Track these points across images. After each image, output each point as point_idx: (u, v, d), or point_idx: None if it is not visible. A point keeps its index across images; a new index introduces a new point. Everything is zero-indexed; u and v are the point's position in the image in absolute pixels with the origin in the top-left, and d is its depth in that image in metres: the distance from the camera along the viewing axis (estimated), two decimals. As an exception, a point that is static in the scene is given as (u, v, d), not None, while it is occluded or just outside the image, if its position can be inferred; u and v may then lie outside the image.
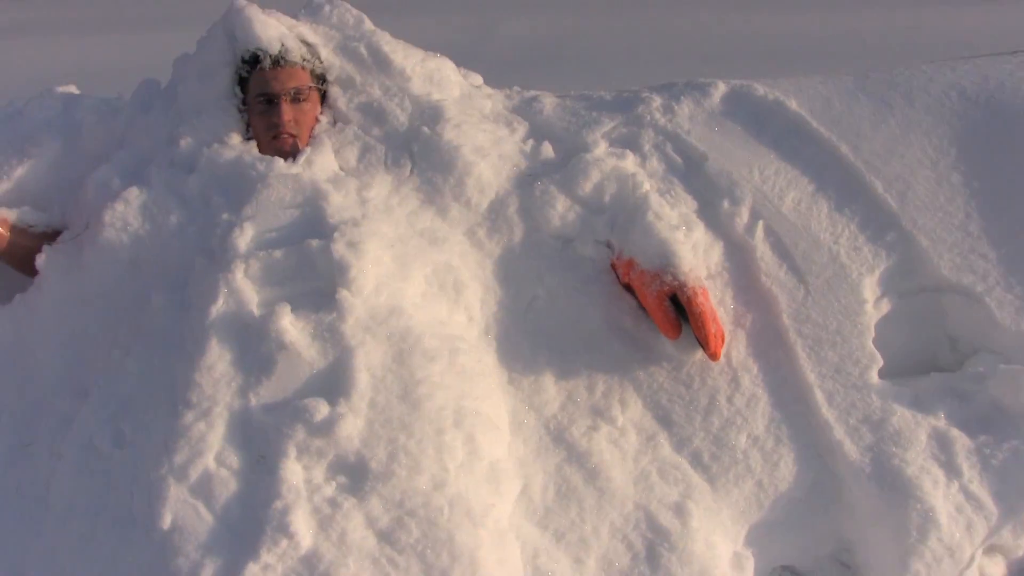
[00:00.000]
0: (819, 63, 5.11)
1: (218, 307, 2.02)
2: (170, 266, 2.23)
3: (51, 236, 2.45)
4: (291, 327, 1.97)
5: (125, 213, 2.29)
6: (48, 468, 2.15)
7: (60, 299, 2.32)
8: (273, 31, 2.38)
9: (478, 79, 2.75)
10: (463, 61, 2.76)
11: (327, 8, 2.62)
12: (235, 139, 2.40)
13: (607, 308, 2.36)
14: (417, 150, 2.44)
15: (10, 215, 2.41)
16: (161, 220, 2.28)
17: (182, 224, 2.27)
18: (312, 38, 2.50)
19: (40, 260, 2.35)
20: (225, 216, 2.21)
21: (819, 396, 2.25)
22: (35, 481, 2.17)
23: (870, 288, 2.43)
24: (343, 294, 2.02)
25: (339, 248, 2.07)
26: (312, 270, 2.08)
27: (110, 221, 2.28)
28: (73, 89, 2.85)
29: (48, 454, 2.17)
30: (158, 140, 2.46)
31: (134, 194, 2.31)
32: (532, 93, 2.76)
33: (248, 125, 2.44)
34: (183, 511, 1.82)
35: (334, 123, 2.49)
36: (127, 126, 2.53)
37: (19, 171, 2.52)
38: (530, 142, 2.58)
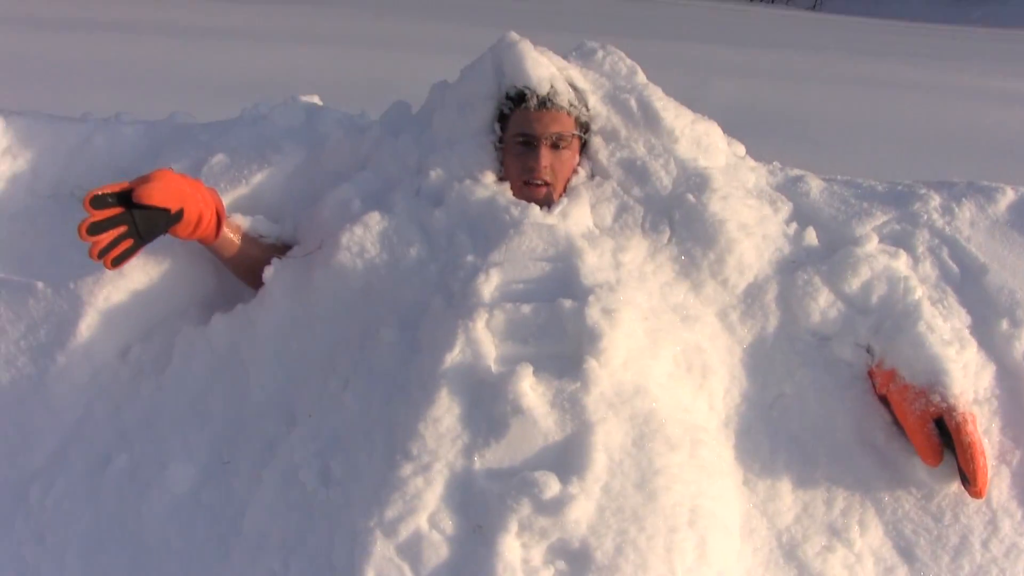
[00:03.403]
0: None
1: (453, 356, 1.87)
2: (404, 302, 2.11)
3: (280, 249, 2.36)
4: (530, 391, 1.81)
5: (363, 238, 2.18)
6: (246, 491, 2.05)
7: (282, 316, 2.22)
8: (544, 71, 2.25)
9: (741, 149, 2.55)
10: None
11: (600, 54, 2.48)
12: (489, 178, 2.27)
13: (859, 418, 2.11)
14: (679, 218, 2.25)
15: (243, 222, 2.35)
16: (400, 251, 2.16)
17: (422, 259, 2.14)
18: (582, 83, 2.36)
19: (267, 273, 2.26)
20: (470, 258, 2.08)
21: (1092, 554, 1.95)
22: (230, 502, 2.07)
23: None
24: (591, 364, 1.85)
25: (593, 313, 1.89)
26: (560, 332, 1.91)
27: (346, 244, 2.17)
28: (316, 100, 2.80)
29: (248, 477, 2.07)
30: (405, 166, 2.35)
31: (375, 219, 2.20)
32: (796, 172, 2.55)
33: (502, 164, 2.31)
34: (386, 570, 1.66)
35: (592, 176, 2.33)
36: (374, 147, 2.43)
37: (258, 177, 2.46)
38: (793, 225, 2.36)
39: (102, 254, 2.09)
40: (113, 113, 2.90)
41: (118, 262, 2.13)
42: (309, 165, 2.50)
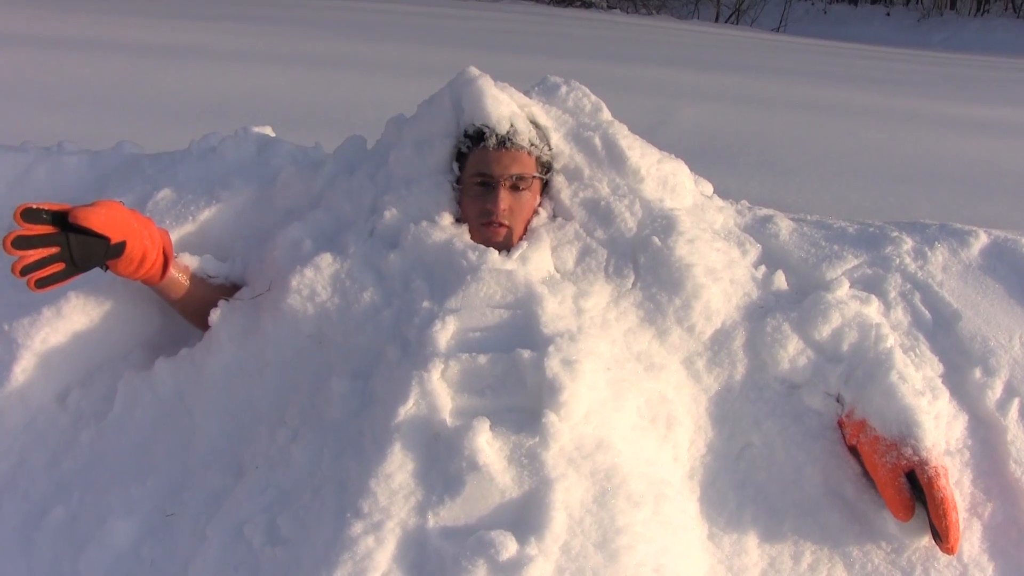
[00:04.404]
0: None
1: (407, 408, 1.78)
2: (356, 349, 2.02)
3: (228, 290, 2.27)
4: (487, 446, 1.72)
5: (314, 281, 2.09)
6: (189, 547, 1.94)
7: (229, 362, 2.13)
8: (504, 108, 2.18)
9: (708, 187, 2.49)
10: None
11: (563, 89, 2.41)
12: (446, 219, 2.19)
13: (827, 470, 2.04)
14: (644, 262, 2.18)
15: (191, 263, 2.25)
16: (353, 296, 2.07)
17: (376, 305, 2.05)
18: (543, 120, 2.29)
19: (214, 316, 2.16)
20: (426, 304, 1.99)
21: (1064, 614, 1.90)
22: (173, 558, 1.96)
23: None
24: (551, 418, 1.76)
25: (553, 365, 1.81)
26: (519, 385, 1.83)
27: (296, 287, 2.08)
28: (269, 131, 2.71)
29: (192, 532, 1.96)
30: (359, 206, 2.27)
31: (327, 261, 2.11)
32: (765, 212, 2.49)
33: (460, 205, 2.23)
34: (335, 635, 1.56)
35: (553, 217, 2.26)
36: (327, 184, 2.35)
37: (205, 214, 2.37)
38: (762, 268, 2.30)
39: (26, 271, 1.92)
40: (55, 141, 2.80)
41: (44, 284, 1.95)
42: (259, 201, 2.41)
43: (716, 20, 19.46)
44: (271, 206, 2.39)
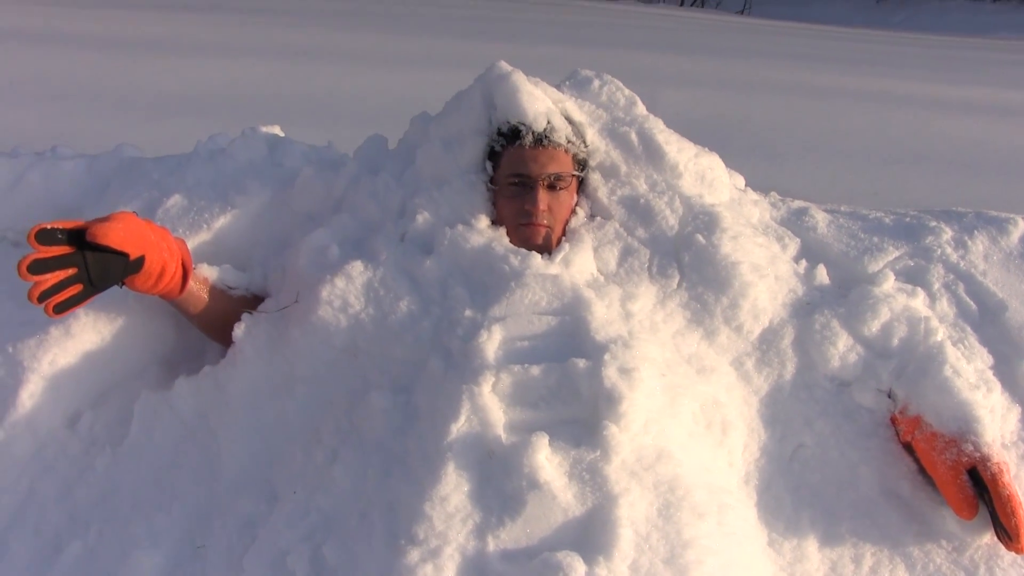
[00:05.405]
0: None
1: (459, 426, 1.69)
2: (395, 362, 1.92)
3: (249, 302, 2.14)
4: (547, 463, 1.63)
5: (346, 291, 1.98)
6: (225, 581, 1.83)
7: (256, 379, 2.01)
8: (540, 105, 2.08)
9: (741, 180, 2.42)
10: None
11: (596, 83, 2.31)
12: (483, 222, 2.09)
13: (883, 468, 1.99)
14: (688, 260, 2.10)
15: (210, 274, 2.12)
16: (388, 305, 1.96)
17: (414, 314, 1.95)
18: (578, 116, 2.19)
19: (238, 330, 2.04)
20: (468, 313, 1.89)
21: None
22: (206, 594, 1.85)
23: None
24: (611, 430, 1.67)
25: (611, 374, 1.72)
26: (574, 395, 1.74)
27: (327, 298, 1.97)
28: (278, 131, 2.58)
29: (226, 563, 1.84)
30: (387, 208, 2.16)
31: (358, 270, 2.00)
32: (799, 204, 2.42)
33: (494, 206, 2.13)
34: (396, 673, 1.47)
35: (591, 216, 2.17)
36: (350, 186, 2.23)
37: (221, 221, 2.24)
38: (803, 263, 2.23)
39: (43, 297, 1.79)
40: (48, 145, 2.65)
41: (61, 309, 1.83)
42: (275, 205, 2.29)
43: (681, 3, 19.45)
44: (288, 210, 2.27)
